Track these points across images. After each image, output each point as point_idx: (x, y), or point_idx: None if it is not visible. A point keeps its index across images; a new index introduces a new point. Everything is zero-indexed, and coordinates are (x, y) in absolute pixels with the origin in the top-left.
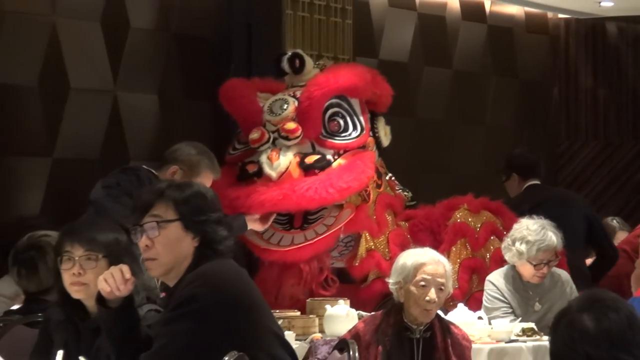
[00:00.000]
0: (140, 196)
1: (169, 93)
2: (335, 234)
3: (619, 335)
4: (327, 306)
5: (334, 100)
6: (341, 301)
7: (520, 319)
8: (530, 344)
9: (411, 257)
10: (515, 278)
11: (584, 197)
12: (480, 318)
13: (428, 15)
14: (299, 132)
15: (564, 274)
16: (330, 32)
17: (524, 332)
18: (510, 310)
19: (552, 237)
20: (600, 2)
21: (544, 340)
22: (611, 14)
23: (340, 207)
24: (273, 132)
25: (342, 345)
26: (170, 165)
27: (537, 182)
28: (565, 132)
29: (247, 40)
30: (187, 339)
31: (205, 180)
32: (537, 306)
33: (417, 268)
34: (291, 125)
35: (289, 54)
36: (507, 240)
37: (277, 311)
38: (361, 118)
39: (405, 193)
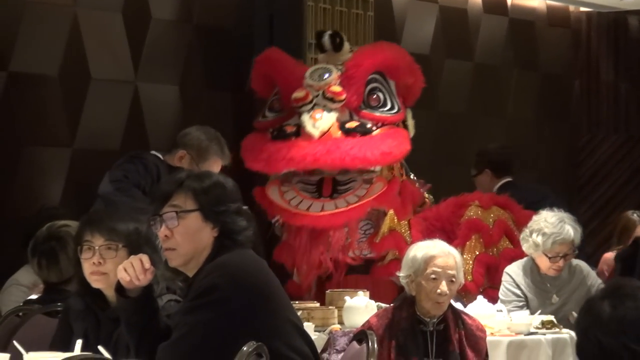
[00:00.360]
0: (160, 186)
1: (190, 84)
2: (367, 205)
3: (632, 323)
4: (347, 297)
5: (375, 76)
6: (360, 292)
7: (539, 311)
8: (549, 336)
9: (421, 249)
10: (533, 270)
11: (605, 190)
12: (499, 310)
13: (449, 8)
14: (344, 95)
15: (584, 266)
16: (352, 24)
17: (544, 324)
18: (522, 303)
19: (570, 230)
20: None
21: (563, 333)
22: (633, 8)
23: (371, 180)
24: (316, 95)
25: (360, 336)
26: (179, 149)
27: (510, 179)
28: (587, 125)
29: (269, 31)
30: (207, 329)
31: (214, 165)
32: (555, 299)
33: (428, 261)
34: (337, 88)
35: (330, 32)
36: (526, 231)
37: (297, 302)
38: (397, 99)
39: (428, 195)
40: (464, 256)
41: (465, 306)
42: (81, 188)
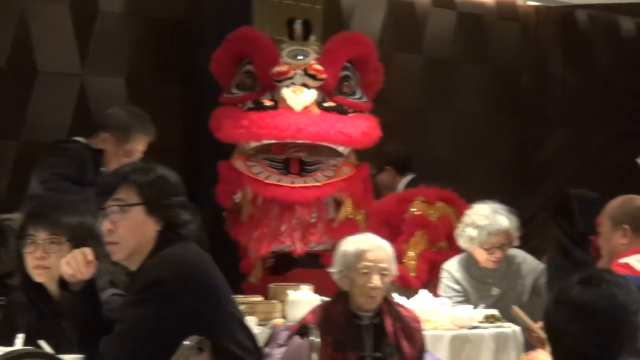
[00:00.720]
0: (104, 179)
1: (137, 77)
2: (337, 185)
3: (598, 313)
4: (290, 291)
5: (347, 64)
6: (304, 286)
7: (482, 305)
8: (492, 330)
9: (352, 244)
10: (471, 263)
11: (552, 183)
12: (442, 304)
13: (398, 2)
14: (325, 75)
15: (520, 254)
16: (300, 17)
17: (487, 318)
18: (462, 298)
19: (503, 220)
20: None
21: (506, 327)
22: (581, 2)
23: (337, 164)
24: (295, 73)
25: (302, 330)
26: (101, 131)
27: (414, 175)
28: (535, 119)
29: (218, 24)
30: (150, 323)
31: (139, 144)
32: (495, 290)
33: (359, 255)
34: (319, 66)
35: (301, 20)
36: (460, 227)
37: (240, 296)
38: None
39: None
40: (409, 252)
41: (408, 300)
42: (28, 181)
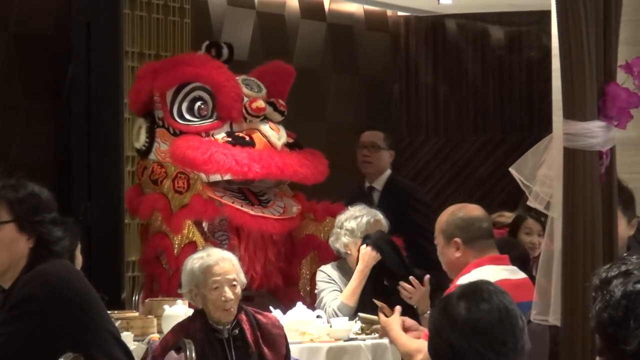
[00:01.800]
0: None
1: (7, 93)
2: (299, 217)
3: (485, 329)
4: (166, 306)
5: None
6: (179, 301)
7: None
8: (369, 342)
9: (197, 261)
10: (344, 266)
11: (426, 192)
12: (319, 317)
13: (267, 14)
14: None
15: None
16: (169, 31)
17: (363, 330)
18: (338, 288)
19: (378, 213)
20: (439, 0)
21: (383, 339)
22: (450, 12)
23: (277, 194)
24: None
25: (179, 345)
26: None
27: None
28: (407, 128)
29: (86, 39)
30: (24, 339)
31: None
32: None
33: (205, 272)
34: (282, 102)
35: (222, 43)
36: (335, 230)
37: (115, 312)
38: None
39: None
40: (302, 271)
41: (285, 313)
42: None
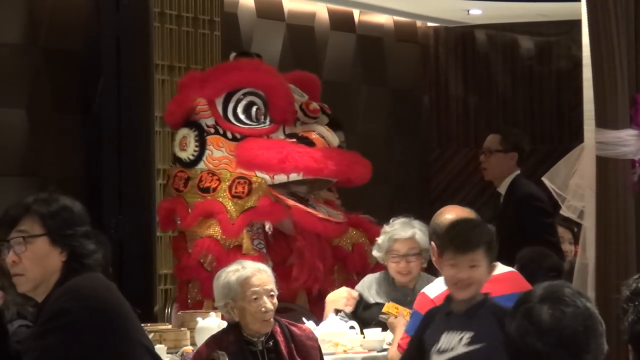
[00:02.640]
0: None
1: (37, 107)
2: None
3: (571, 336)
4: (199, 319)
5: None
6: (212, 313)
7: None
8: (362, 356)
9: (232, 274)
10: (387, 281)
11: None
12: (352, 327)
13: (297, 26)
14: None
15: (427, 276)
16: (199, 44)
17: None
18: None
19: (411, 229)
20: (469, 11)
21: (378, 354)
22: (480, 22)
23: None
24: None
25: (213, 357)
26: None
27: None
28: (437, 140)
29: (116, 53)
30: (57, 353)
31: None
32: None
33: (243, 283)
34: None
35: (253, 54)
36: (376, 239)
37: (149, 325)
38: None
39: None
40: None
41: (317, 324)
42: None
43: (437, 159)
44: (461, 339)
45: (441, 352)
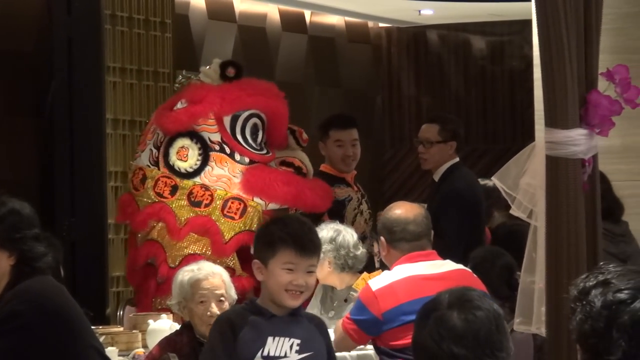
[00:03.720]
0: None
1: None
2: None
3: (486, 336)
4: (150, 321)
5: None
6: (164, 315)
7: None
8: (354, 353)
9: (187, 274)
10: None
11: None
12: None
13: (248, 27)
14: None
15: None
16: (150, 46)
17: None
18: None
19: (329, 233)
20: (420, 11)
21: (369, 350)
22: (432, 22)
23: None
24: None
25: (165, 357)
26: None
27: None
28: (390, 140)
29: (68, 55)
30: (8, 357)
31: None
32: (332, 312)
33: (194, 285)
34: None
35: (230, 61)
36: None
37: (100, 327)
38: None
39: None
40: None
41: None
42: None
43: (390, 159)
44: (291, 345)
45: (271, 357)
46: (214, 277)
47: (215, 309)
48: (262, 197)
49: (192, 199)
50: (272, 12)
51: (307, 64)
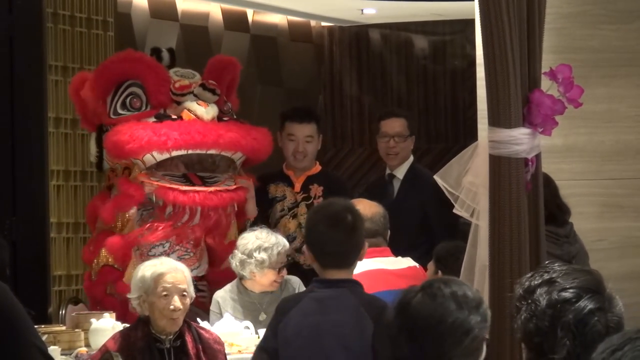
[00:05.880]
0: None
1: None
2: (246, 191)
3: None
4: (93, 320)
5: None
6: (106, 314)
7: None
8: None
9: (149, 268)
10: (241, 291)
11: None
12: (247, 327)
13: (190, 26)
14: (219, 90)
15: (294, 280)
16: (92, 45)
17: None
18: None
19: (282, 239)
20: (362, 10)
21: None
22: (374, 22)
23: (232, 178)
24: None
25: (107, 356)
26: None
27: None
28: (332, 139)
29: (9, 54)
30: None
31: None
32: (263, 315)
33: (157, 279)
34: (214, 82)
35: (164, 49)
36: (240, 256)
37: (42, 326)
38: None
39: None
40: None
41: (212, 324)
42: None
43: (332, 158)
44: None
45: None
46: (176, 272)
47: (178, 303)
48: (113, 156)
49: (107, 184)
50: (215, 11)
51: (250, 62)
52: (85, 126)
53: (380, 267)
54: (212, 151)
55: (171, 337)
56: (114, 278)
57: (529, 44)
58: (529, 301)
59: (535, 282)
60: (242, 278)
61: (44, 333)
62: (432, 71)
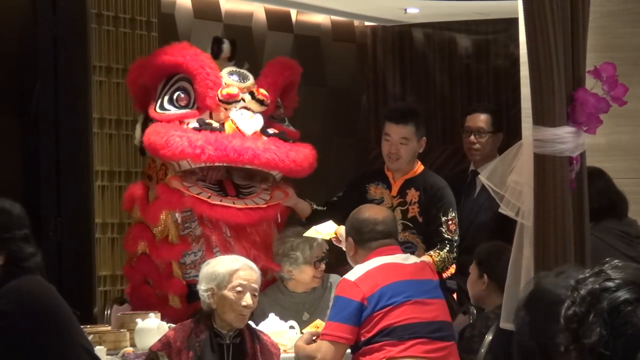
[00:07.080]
0: None
1: None
2: (279, 207)
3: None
4: (138, 320)
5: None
6: (152, 314)
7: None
8: None
9: (222, 263)
10: (282, 291)
11: None
12: (292, 327)
13: (234, 26)
14: (269, 100)
15: (335, 277)
16: (136, 45)
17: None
18: None
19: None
20: (406, 10)
21: None
22: (417, 21)
23: (269, 189)
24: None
25: (152, 357)
26: None
27: None
28: (375, 139)
29: (53, 55)
30: None
31: None
32: (306, 315)
33: (232, 274)
34: (264, 91)
35: (226, 40)
36: (277, 257)
37: (88, 326)
38: None
39: None
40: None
41: (257, 324)
42: None
43: (375, 158)
44: None
45: None
46: (251, 270)
47: (250, 300)
48: (152, 154)
49: (148, 173)
50: (258, 11)
51: None
52: (137, 108)
53: (389, 262)
54: (247, 167)
55: (232, 333)
56: (149, 269)
57: (572, 43)
58: (575, 291)
59: (587, 274)
60: (283, 280)
61: (90, 333)
62: (476, 70)
